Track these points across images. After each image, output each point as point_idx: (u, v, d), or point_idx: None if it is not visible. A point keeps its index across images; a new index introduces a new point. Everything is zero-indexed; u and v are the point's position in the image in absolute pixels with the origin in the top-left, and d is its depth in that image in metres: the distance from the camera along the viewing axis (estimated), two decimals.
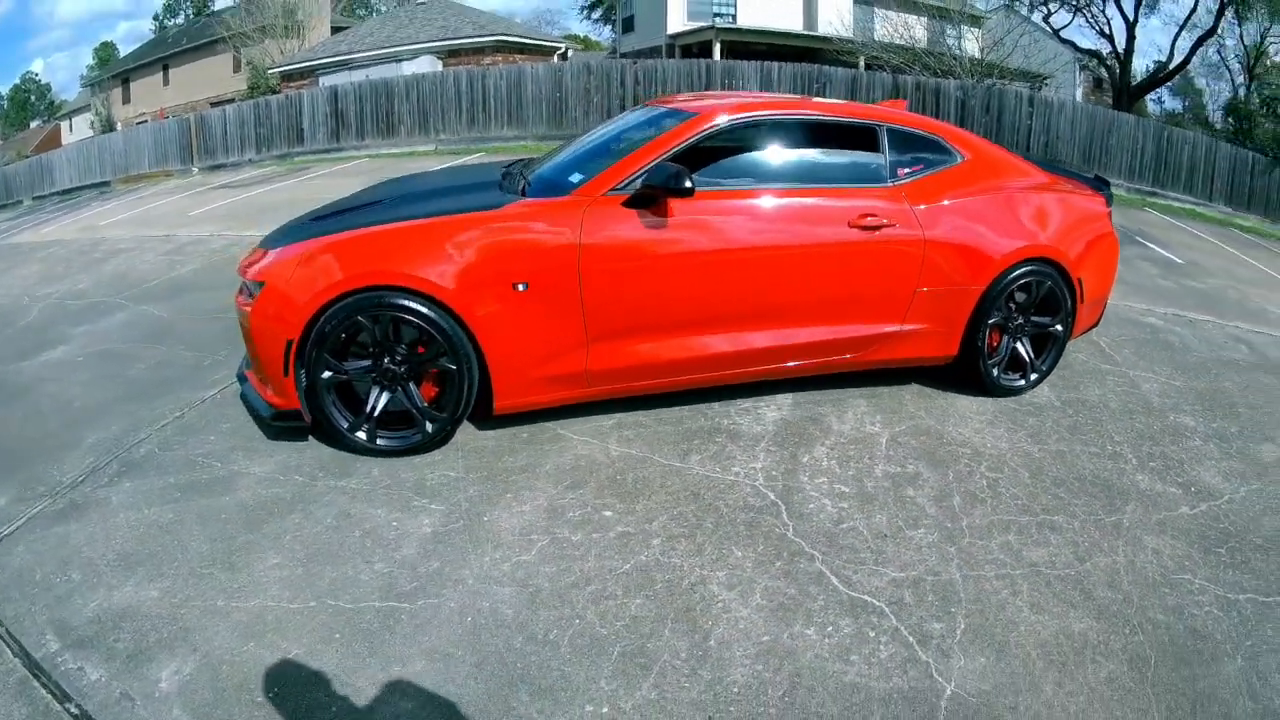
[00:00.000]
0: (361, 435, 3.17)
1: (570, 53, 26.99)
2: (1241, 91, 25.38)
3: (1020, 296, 3.89)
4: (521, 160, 4.33)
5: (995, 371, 3.92)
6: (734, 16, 23.53)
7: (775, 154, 3.61)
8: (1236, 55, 25.45)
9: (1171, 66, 24.79)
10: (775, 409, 3.76)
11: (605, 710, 2.05)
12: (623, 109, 14.24)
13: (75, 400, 3.94)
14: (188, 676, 2.11)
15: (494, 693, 2.09)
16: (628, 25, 26.90)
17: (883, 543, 2.79)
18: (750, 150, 3.56)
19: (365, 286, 2.97)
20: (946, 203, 3.68)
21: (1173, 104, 28.19)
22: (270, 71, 26.81)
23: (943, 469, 3.28)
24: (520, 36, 24.79)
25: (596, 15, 43.57)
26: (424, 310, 3.01)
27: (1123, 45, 23.78)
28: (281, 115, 17.48)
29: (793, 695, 2.12)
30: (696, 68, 16.30)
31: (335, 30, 30.93)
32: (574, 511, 2.89)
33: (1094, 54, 25.46)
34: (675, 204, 3.20)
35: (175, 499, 2.95)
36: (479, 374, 3.13)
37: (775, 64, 15.78)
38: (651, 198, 3.18)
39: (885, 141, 3.70)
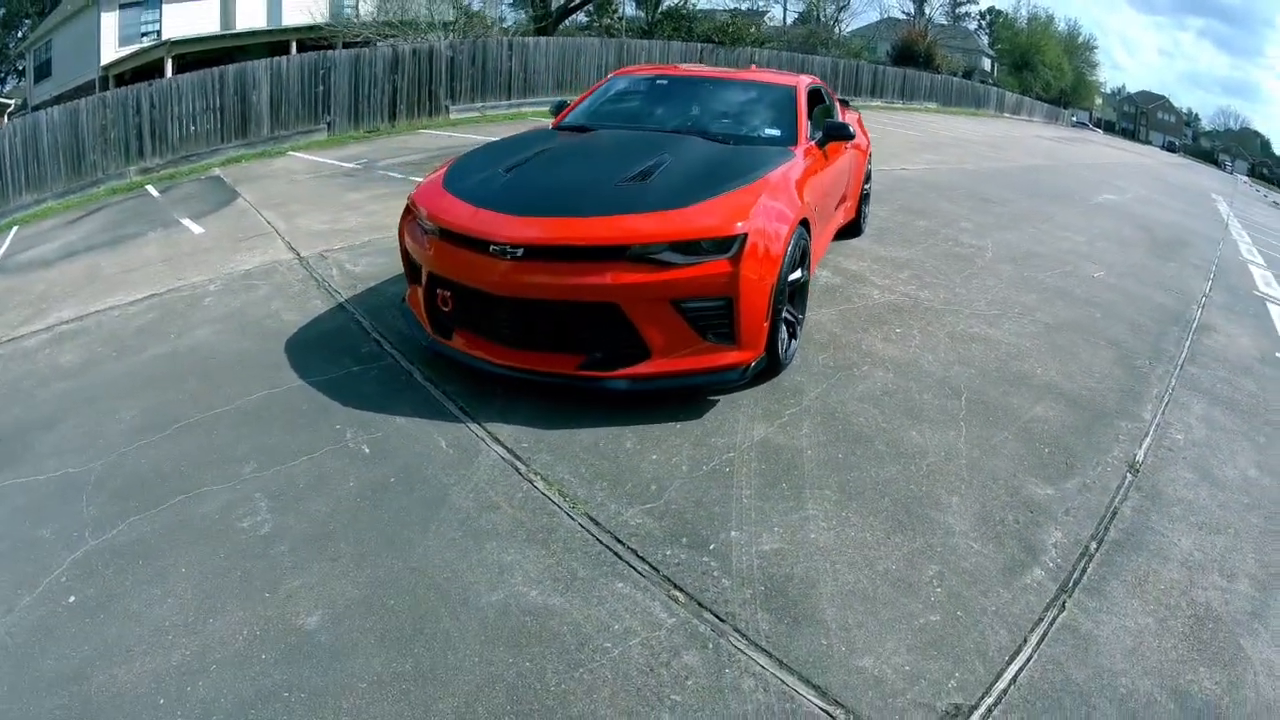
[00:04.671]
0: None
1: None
2: None
3: None
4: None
5: None
6: (158, 33, 23.03)
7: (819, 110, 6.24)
8: None
9: None
10: None
11: None
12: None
13: None
14: None
15: None
16: (42, 72, 24.19)
17: None
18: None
19: (801, 222, 4.39)
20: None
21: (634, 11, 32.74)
22: None
23: None
24: None
25: None
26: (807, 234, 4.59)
27: None
28: None
29: None
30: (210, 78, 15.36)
31: None
32: None
33: None
34: (834, 145, 5.75)
35: None
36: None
37: (283, 59, 15.56)
38: (823, 142, 5.55)
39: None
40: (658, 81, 6.14)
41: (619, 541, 3.11)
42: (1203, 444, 4.43)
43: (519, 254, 3.80)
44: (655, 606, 2.79)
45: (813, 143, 5.37)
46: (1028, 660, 2.71)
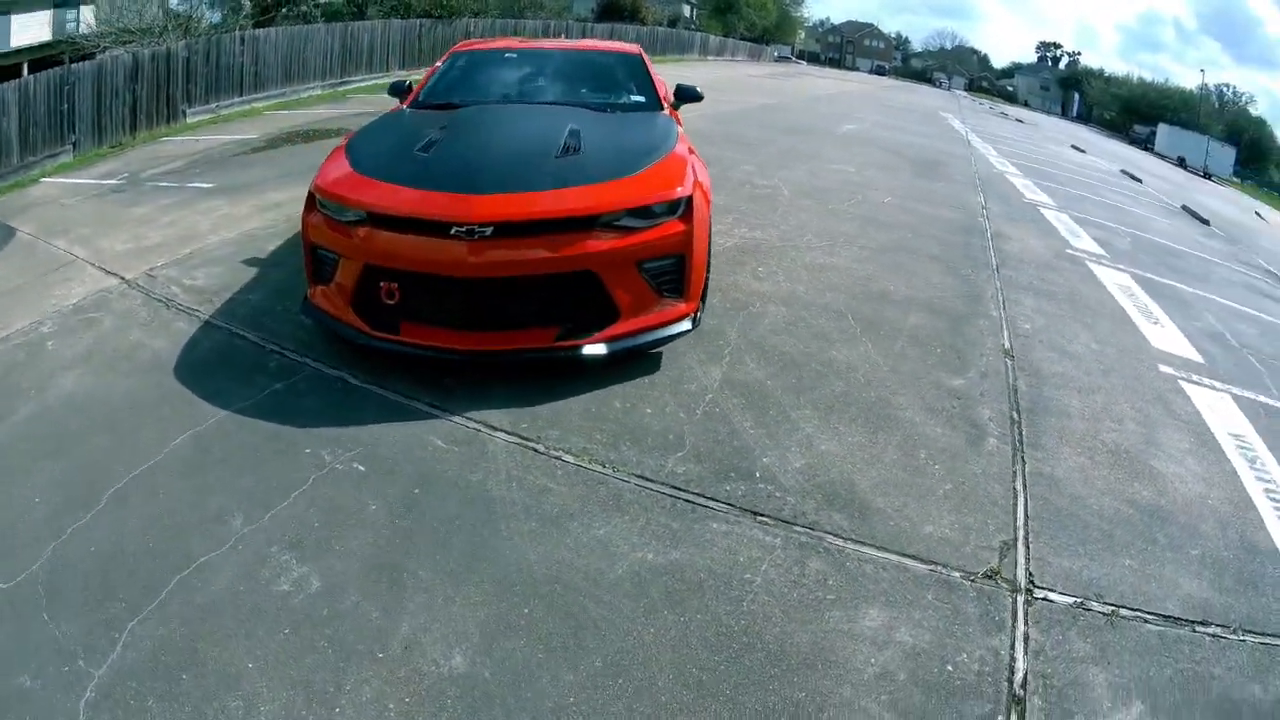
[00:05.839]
0: None
1: None
2: None
3: None
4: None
5: None
6: None
7: None
8: None
9: None
10: None
11: None
12: None
13: None
14: None
15: None
16: None
17: None
18: None
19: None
20: None
21: None
22: None
23: None
24: None
25: None
26: None
27: None
28: None
29: None
30: None
31: None
32: None
33: None
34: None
35: None
36: None
37: (30, 78, 13.79)
38: (677, 105, 6.28)
39: None
40: (506, 55, 6.56)
41: (681, 490, 3.65)
42: (1047, 329, 5.95)
43: (488, 232, 4.04)
44: (756, 533, 3.40)
45: (670, 105, 6.02)
46: (1025, 501, 3.74)
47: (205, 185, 8.18)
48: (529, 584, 3.08)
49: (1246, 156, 51.80)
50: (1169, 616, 3.15)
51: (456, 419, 4.11)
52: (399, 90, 6.25)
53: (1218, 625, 3.13)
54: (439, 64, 6.44)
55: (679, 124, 5.70)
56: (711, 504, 3.55)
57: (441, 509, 3.47)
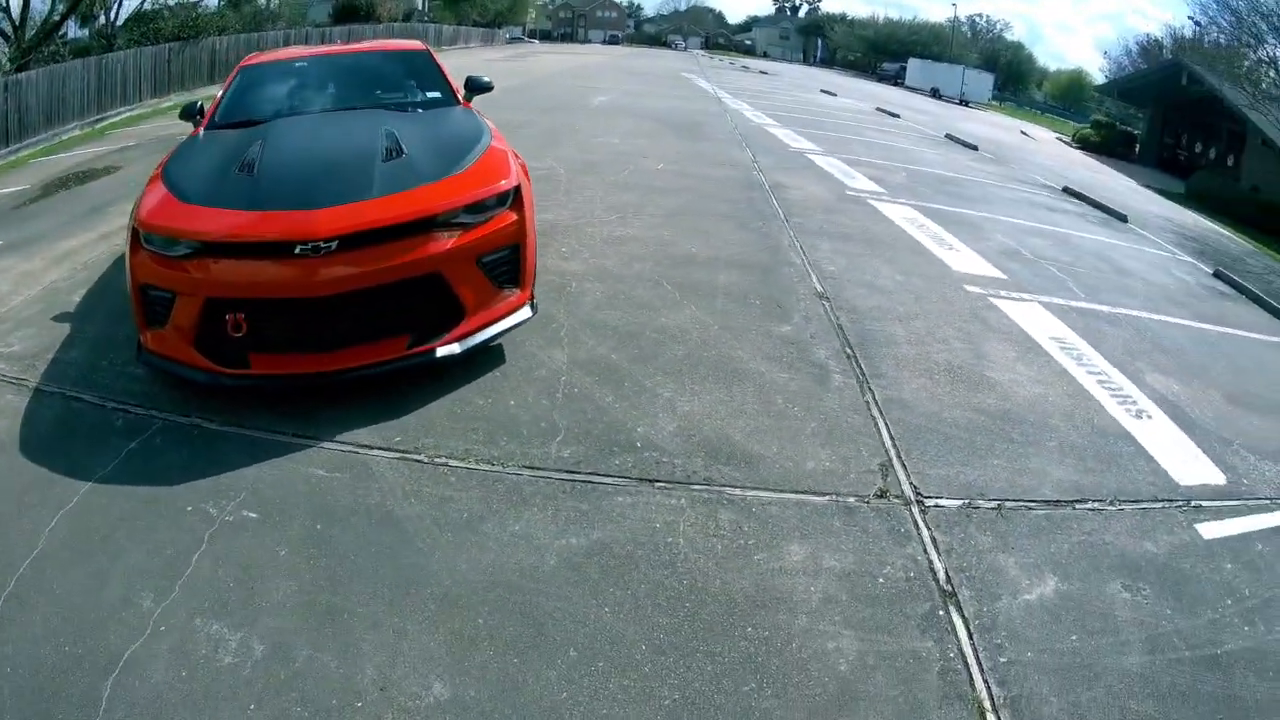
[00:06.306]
0: None
1: None
2: None
3: None
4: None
5: None
6: None
7: None
8: None
9: None
10: None
11: None
12: None
13: None
14: None
15: None
16: None
17: None
18: None
19: None
20: None
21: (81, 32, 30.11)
22: None
23: None
24: None
25: None
26: None
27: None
28: None
29: None
30: None
31: None
32: None
33: None
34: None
35: None
36: None
37: None
38: (469, 97, 6.01)
39: None
40: (296, 64, 6.35)
41: (575, 473, 3.66)
42: (851, 269, 6.48)
43: (333, 247, 3.93)
44: (660, 498, 3.49)
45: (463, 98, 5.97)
46: (886, 425, 4.09)
47: None
48: (471, 593, 3.04)
49: (1005, 80, 56.42)
50: (1049, 500, 3.61)
51: (328, 445, 3.92)
52: (192, 113, 5.82)
53: (1095, 501, 3.64)
54: (230, 80, 6.12)
55: (480, 116, 5.66)
56: (608, 480, 3.59)
57: (352, 539, 3.34)
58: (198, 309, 4.11)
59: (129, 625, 2.97)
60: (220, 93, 6.09)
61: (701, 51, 44.50)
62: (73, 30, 25.03)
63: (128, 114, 18.04)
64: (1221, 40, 20.16)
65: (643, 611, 2.89)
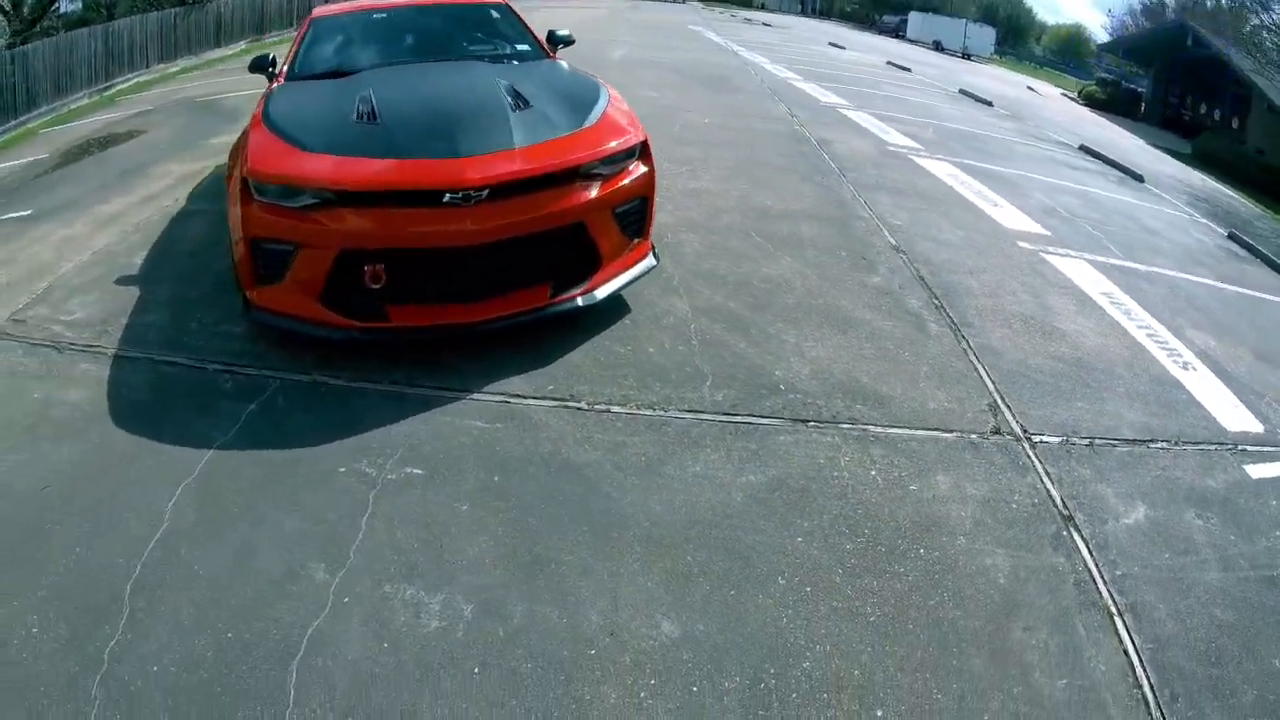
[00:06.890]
0: None
1: None
2: None
3: None
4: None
5: None
6: None
7: None
8: None
9: None
10: None
11: None
12: None
13: None
14: None
15: None
16: None
17: None
18: None
19: None
20: None
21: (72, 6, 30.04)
22: None
23: None
24: None
25: None
26: None
27: None
28: None
29: None
30: None
31: None
32: None
33: None
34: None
35: None
36: None
37: None
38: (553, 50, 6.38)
39: None
40: (375, 16, 6.32)
41: (733, 415, 4.17)
42: (915, 223, 7.08)
43: (484, 195, 4.13)
44: (816, 436, 4.11)
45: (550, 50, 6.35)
46: (985, 370, 4.76)
47: (21, 213, 6.99)
48: (672, 533, 3.37)
49: (1005, 34, 56.40)
50: (1128, 439, 4.30)
51: (478, 396, 4.11)
52: (264, 65, 5.81)
53: (1163, 441, 4.34)
54: (302, 33, 6.11)
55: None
56: (765, 421, 4.15)
57: (535, 489, 3.55)
58: (329, 261, 4.11)
59: (303, 600, 2.89)
60: (293, 46, 6.10)
61: (699, 3, 43.42)
62: (64, 5, 25.13)
63: (136, 80, 18.09)
64: (1224, 3, 20.66)
65: (830, 539, 3.44)
